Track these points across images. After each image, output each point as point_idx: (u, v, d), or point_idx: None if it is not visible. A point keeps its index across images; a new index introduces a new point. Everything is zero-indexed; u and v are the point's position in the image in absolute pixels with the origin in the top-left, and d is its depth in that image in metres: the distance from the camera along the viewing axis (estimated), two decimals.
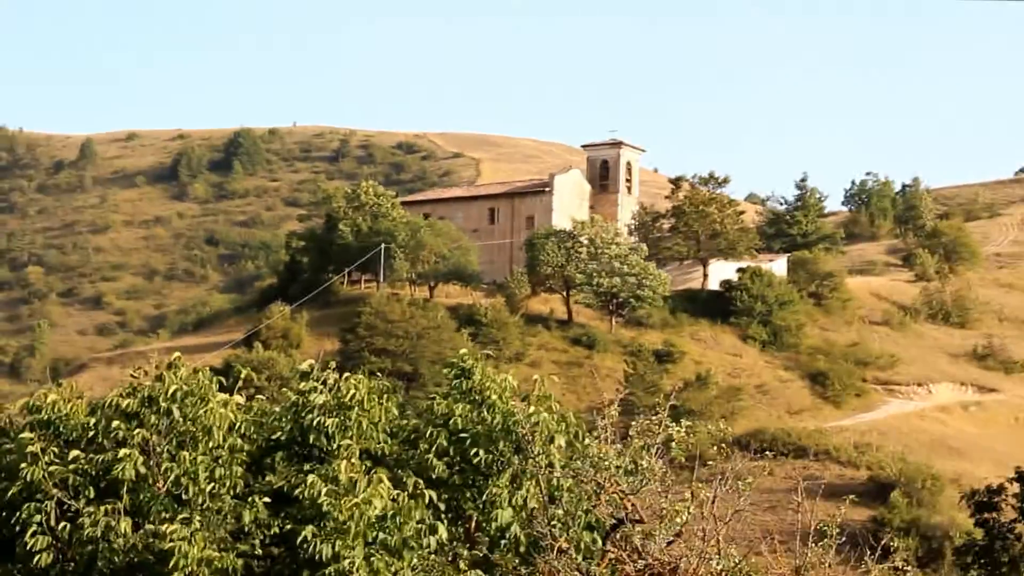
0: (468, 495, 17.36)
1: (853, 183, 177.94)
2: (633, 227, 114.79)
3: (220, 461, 16.43)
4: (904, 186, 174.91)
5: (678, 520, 16.97)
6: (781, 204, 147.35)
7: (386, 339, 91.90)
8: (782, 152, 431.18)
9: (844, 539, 18.05)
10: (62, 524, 15.86)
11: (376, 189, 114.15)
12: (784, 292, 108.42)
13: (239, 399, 17.08)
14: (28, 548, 15.73)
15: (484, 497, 17.22)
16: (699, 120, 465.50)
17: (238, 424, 16.93)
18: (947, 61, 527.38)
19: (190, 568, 15.32)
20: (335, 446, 16.71)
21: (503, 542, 17.16)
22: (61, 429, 16.69)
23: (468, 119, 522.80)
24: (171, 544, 15.29)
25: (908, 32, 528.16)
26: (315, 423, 16.83)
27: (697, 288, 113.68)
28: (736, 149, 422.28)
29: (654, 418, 18.09)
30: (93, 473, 16.23)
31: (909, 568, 18.30)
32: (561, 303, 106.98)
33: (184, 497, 16.10)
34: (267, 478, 16.79)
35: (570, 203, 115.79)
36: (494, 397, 17.54)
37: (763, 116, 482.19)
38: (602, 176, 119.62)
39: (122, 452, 16.03)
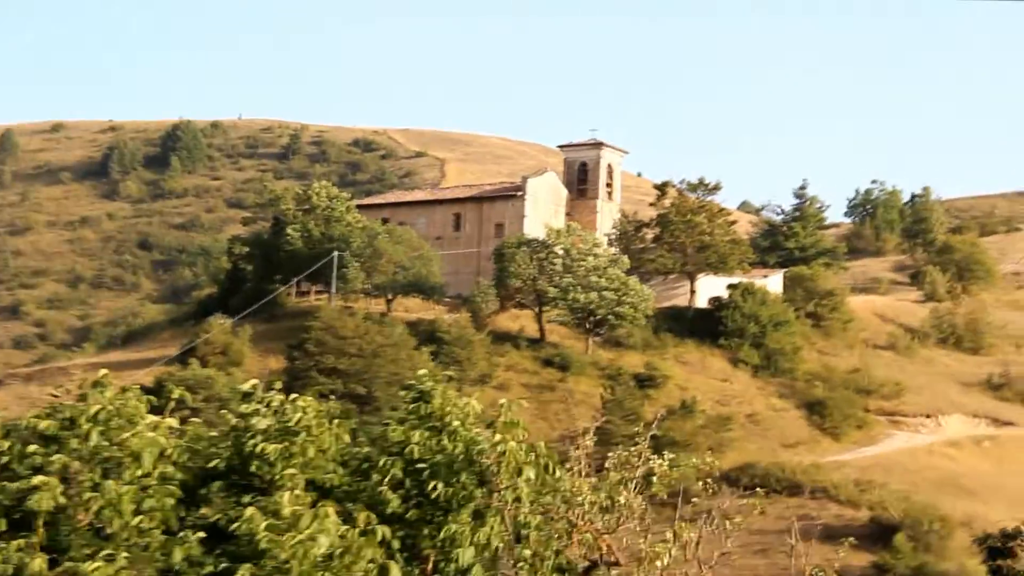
0: (425, 532, 17.07)
1: (857, 192, 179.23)
2: (614, 237, 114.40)
3: (149, 491, 16.00)
4: (913, 196, 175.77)
5: (658, 563, 16.88)
6: (777, 214, 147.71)
7: (337, 357, 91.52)
8: (779, 158, 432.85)
9: None
10: None
11: (329, 190, 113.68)
12: (779, 311, 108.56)
13: (172, 422, 16.68)
14: None
15: (443, 535, 16.96)
16: (688, 122, 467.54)
17: (170, 450, 16.54)
18: (963, 60, 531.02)
19: None
20: (278, 476, 16.40)
21: None
22: None
23: (433, 115, 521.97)
24: None
25: (921, 30, 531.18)
26: (257, 450, 16.56)
27: (683, 306, 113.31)
28: (729, 154, 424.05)
29: (633, 449, 18.00)
30: (6, 503, 15.86)
31: None
32: (532, 320, 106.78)
33: (108, 531, 15.69)
34: (201, 511, 16.46)
35: (544, 209, 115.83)
36: (456, 423, 17.30)
37: (759, 118, 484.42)
38: (580, 180, 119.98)
39: (38, 480, 15.62)
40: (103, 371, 16.91)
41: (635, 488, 17.66)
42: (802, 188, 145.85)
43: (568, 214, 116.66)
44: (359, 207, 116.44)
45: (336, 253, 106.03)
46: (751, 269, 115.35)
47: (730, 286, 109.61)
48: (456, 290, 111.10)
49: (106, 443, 16.17)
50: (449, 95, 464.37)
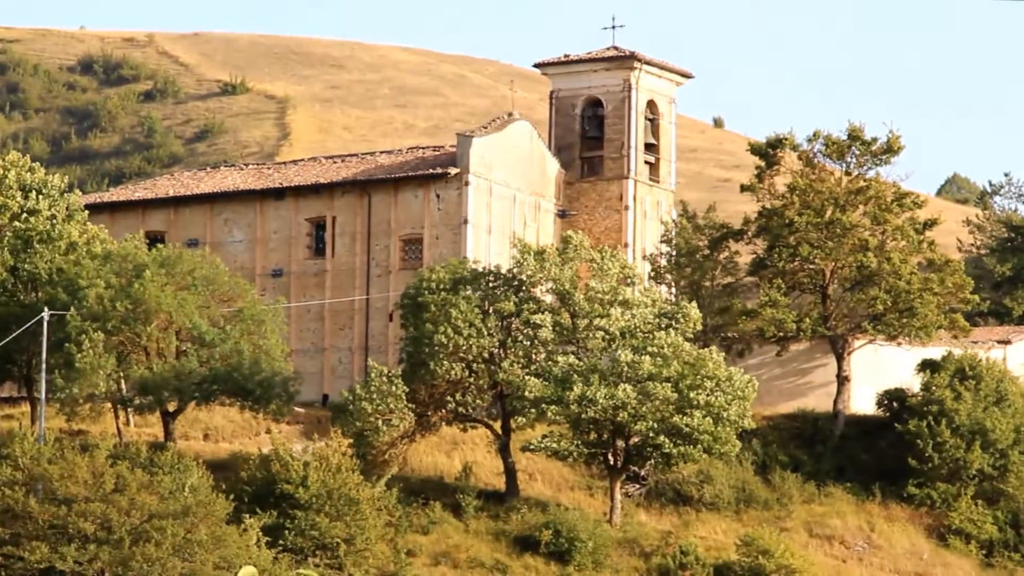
0: None
1: None
2: (666, 260, 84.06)
3: None
4: None
5: None
6: None
7: (56, 542, 66.91)
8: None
9: None
10: None
11: (22, 173, 79.22)
12: None
13: None
14: None
15: None
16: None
17: None
18: None
19: None
20: None
21: None
22: None
23: (258, 5, 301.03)
24: None
25: None
26: None
27: (822, 412, 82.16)
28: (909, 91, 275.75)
29: None
30: None
31: None
32: (489, 450, 77.72)
33: None
34: None
35: (509, 203, 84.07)
36: None
37: None
38: (587, 139, 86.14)
39: None
40: None
41: None
42: None
43: (562, 213, 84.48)
44: (91, 208, 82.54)
45: (46, 313, 74.18)
46: (971, 328, 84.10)
47: (926, 364, 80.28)
48: (318, 389, 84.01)
49: None
50: None
